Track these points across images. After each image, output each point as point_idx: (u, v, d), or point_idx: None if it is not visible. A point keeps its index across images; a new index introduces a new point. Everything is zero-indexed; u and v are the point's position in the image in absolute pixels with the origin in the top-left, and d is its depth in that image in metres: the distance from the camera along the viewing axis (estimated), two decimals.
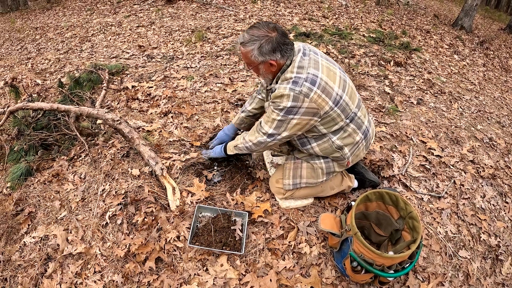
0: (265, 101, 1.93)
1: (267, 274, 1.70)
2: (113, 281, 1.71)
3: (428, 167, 2.53)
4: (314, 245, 1.85)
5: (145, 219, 1.90)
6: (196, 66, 3.82)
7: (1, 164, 2.48)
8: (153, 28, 5.78)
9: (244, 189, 2.15)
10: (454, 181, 2.45)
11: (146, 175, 2.15)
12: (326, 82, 1.56)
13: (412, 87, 3.88)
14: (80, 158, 2.37)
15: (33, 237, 1.92)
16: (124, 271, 1.73)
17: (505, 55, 6.92)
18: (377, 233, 1.75)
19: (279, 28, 1.56)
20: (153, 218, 1.91)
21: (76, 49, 5.29)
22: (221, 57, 4.11)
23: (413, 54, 5.08)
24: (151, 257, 1.77)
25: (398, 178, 2.37)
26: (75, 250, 1.83)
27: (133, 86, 3.31)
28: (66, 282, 1.72)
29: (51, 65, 4.44)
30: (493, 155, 2.88)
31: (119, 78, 3.55)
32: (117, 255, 1.78)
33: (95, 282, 1.71)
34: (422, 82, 4.08)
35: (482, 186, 2.48)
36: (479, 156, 2.81)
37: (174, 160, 2.25)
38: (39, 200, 2.13)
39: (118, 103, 3.05)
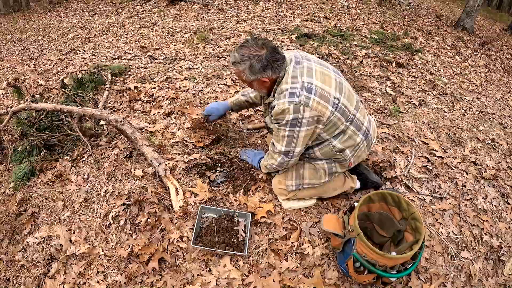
0: (265, 115, 1.99)
1: (270, 275, 1.71)
2: (116, 281, 1.72)
3: (430, 168, 2.53)
4: (317, 246, 1.86)
5: (148, 219, 1.91)
6: (199, 67, 3.83)
7: (4, 164, 2.49)
8: (156, 29, 5.79)
9: (247, 190, 2.16)
10: (456, 182, 2.45)
11: (149, 176, 2.16)
12: (321, 88, 1.58)
13: (414, 88, 3.88)
14: (83, 159, 2.38)
15: (36, 238, 1.93)
16: (127, 272, 1.74)
17: (507, 56, 6.92)
18: (380, 234, 1.75)
19: (268, 44, 1.58)
20: (156, 218, 1.92)
21: (79, 50, 5.31)
22: (224, 58, 4.11)
23: (415, 55, 5.08)
24: (154, 257, 1.77)
25: (400, 179, 2.38)
26: (78, 250, 1.83)
27: (135, 87, 3.32)
28: (69, 283, 1.73)
29: (53, 66, 4.46)
30: (495, 156, 2.88)
31: (121, 79, 3.56)
32: (120, 255, 1.79)
33: (98, 282, 1.72)
34: (424, 83, 4.08)
35: (484, 187, 2.48)
36: (481, 157, 2.81)
37: (177, 161, 2.25)
38: (42, 201, 2.14)
39: (121, 104, 3.06)
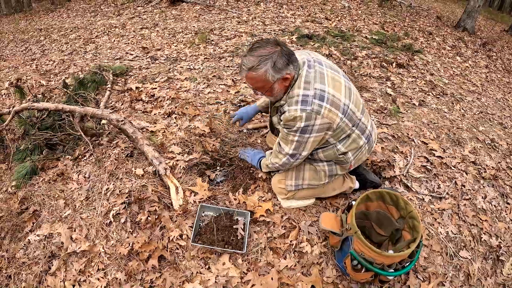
0: (272, 116, 1.93)
1: (268, 273, 1.72)
2: (116, 278, 1.74)
3: (430, 168, 2.54)
4: (315, 244, 1.87)
5: (148, 218, 1.93)
6: (200, 68, 3.85)
7: (6, 163, 2.52)
8: (157, 30, 5.82)
9: (246, 189, 2.17)
10: (456, 182, 2.46)
11: (150, 175, 2.18)
12: (333, 95, 1.55)
13: (414, 88, 3.89)
14: (85, 158, 2.40)
15: (38, 235, 1.95)
16: (127, 269, 1.75)
17: (508, 57, 6.91)
18: (378, 233, 1.76)
19: (279, 41, 1.54)
20: (157, 217, 1.94)
21: (80, 50, 5.34)
22: (224, 59, 4.13)
23: (416, 55, 5.08)
24: (154, 255, 1.79)
25: (399, 178, 2.39)
26: (79, 248, 1.85)
27: (137, 87, 3.34)
28: (70, 280, 1.74)
29: (55, 66, 4.49)
30: (494, 156, 2.88)
31: (123, 79, 3.58)
32: (120, 253, 1.81)
33: (98, 279, 1.74)
34: (424, 83, 4.09)
35: (484, 187, 2.49)
36: (481, 157, 2.82)
37: (177, 160, 2.27)
38: (43, 199, 2.16)
39: (122, 104, 3.08)
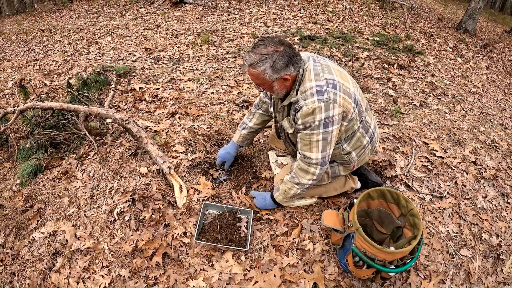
0: (280, 119, 1.84)
1: (271, 270, 1.74)
2: (120, 275, 1.75)
3: (430, 167, 2.56)
4: (317, 242, 1.89)
5: (152, 215, 1.95)
6: (202, 69, 3.88)
7: (11, 162, 2.54)
8: (160, 31, 5.86)
9: (249, 188, 2.19)
10: (456, 182, 2.47)
11: (154, 173, 2.20)
12: (343, 84, 1.56)
13: (415, 89, 3.91)
14: (89, 157, 2.43)
15: (42, 233, 1.96)
16: (132, 266, 1.77)
17: (509, 58, 6.93)
18: (379, 230, 1.78)
19: (284, 40, 1.53)
20: (161, 214, 1.96)
21: (83, 51, 5.38)
22: (227, 59, 4.16)
23: (417, 57, 5.11)
24: (158, 252, 1.81)
25: (400, 178, 2.41)
26: (83, 245, 1.87)
27: (140, 88, 3.37)
28: (74, 277, 1.76)
29: (58, 67, 4.52)
30: (495, 157, 2.90)
31: (126, 80, 3.61)
32: (124, 250, 1.82)
33: (102, 276, 1.75)
34: (425, 84, 4.11)
35: (484, 186, 2.51)
36: (481, 157, 2.84)
37: (181, 159, 2.30)
38: (48, 197, 2.18)
39: (125, 104, 3.11)
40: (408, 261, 1.49)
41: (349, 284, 1.73)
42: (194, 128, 2.62)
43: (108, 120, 2.46)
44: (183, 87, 3.38)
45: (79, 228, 1.96)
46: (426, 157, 2.67)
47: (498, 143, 3.12)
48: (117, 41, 5.62)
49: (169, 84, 3.46)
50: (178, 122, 2.73)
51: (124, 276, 1.75)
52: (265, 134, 2.67)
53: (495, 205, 2.38)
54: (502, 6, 17.80)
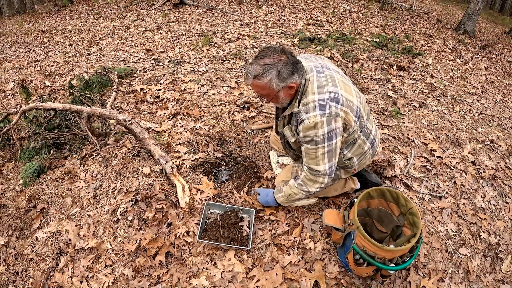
0: (280, 127, 1.83)
1: (273, 268, 1.77)
2: (124, 274, 1.77)
3: (429, 167, 2.59)
4: (318, 241, 1.92)
5: (155, 215, 1.97)
6: (203, 70, 3.91)
7: (13, 162, 2.55)
8: (160, 33, 5.89)
9: (251, 188, 2.22)
10: (455, 182, 2.50)
11: (157, 173, 2.22)
12: (346, 98, 1.55)
13: (414, 90, 3.94)
14: (92, 157, 2.45)
15: (45, 232, 1.98)
16: (135, 265, 1.79)
17: (508, 59, 6.96)
18: (379, 229, 1.80)
19: (285, 49, 1.53)
20: (163, 214, 1.98)
21: (84, 52, 5.40)
22: (228, 61, 4.19)
23: (416, 58, 5.14)
24: (161, 251, 1.83)
25: (400, 178, 2.43)
26: (87, 244, 1.88)
27: (141, 89, 3.40)
28: (78, 276, 1.77)
29: (59, 68, 4.55)
30: (494, 157, 2.93)
31: (127, 81, 3.64)
32: (128, 249, 1.84)
33: (106, 275, 1.77)
34: (424, 85, 4.14)
35: (483, 186, 2.53)
36: (480, 157, 2.86)
37: (183, 160, 2.32)
38: (51, 197, 2.19)
39: (127, 105, 3.14)
40: (407, 259, 1.51)
41: (350, 282, 1.76)
42: (196, 129, 2.65)
43: (111, 121, 2.48)
44: (184, 88, 3.40)
45: (82, 228, 1.98)
46: (425, 158, 2.70)
47: (496, 144, 3.15)
48: (118, 42, 5.65)
49: (171, 85, 3.49)
50: (180, 123, 2.75)
51: (127, 275, 1.76)
52: (266, 135, 2.70)
53: (493, 204, 2.41)
54: (502, 7, 17.87)
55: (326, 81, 1.55)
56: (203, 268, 1.78)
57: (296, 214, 2.05)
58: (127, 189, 2.12)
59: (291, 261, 1.81)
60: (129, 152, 2.39)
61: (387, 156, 2.60)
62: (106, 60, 4.72)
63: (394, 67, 4.47)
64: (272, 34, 5.46)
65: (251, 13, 7.18)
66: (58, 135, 2.61)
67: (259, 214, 2.04)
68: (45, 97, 3.37)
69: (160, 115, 2.91)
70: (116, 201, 2.08)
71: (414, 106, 3.55)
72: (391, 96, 3.63)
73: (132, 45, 5.35)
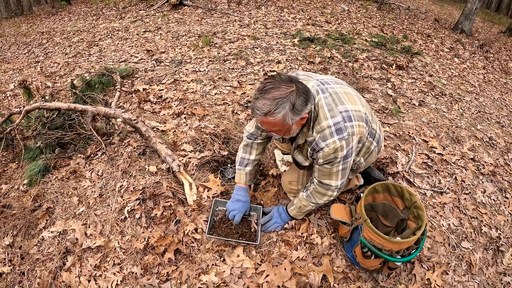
0: (293, 152, 1.77)
1: (281, 264, 1.79)
2: (132, 272, 1.77)
3: (430, 164, 2.63)
4: (325, 236, 1.95)
5: (163, 213, 1.99)
6: (205, 70, 3.93)
7: (17, 162, 2.54)
8: (160, 33, 5.91)
9: (257, 185, 2.24)
10: (456, 178, 2.54)
11: (164, 172, 2.24)
12: (354, 110, 1.52)
13: (413, 89, 3.99)
14: (97, 157, 2.46)
15: (52, 232, 1.97)
16: (143, 263, 1.80)
17: (505, 58, 7.04)
18: (384, 224, 1.84)
19: (291, 76, 1.41)
20: (171, 211, 2.00)
21: (84, 53, 5.41)
22: (229, 61, 4.22)
23: (415, 57, 5.19)
24: (170, 249, 1.84)
25: (402, 174, 2.47)
26: (94, 243, 1.88)
27: (144, 89, 3.42)
28: (85, 275, 1.77)
29: (60, 68, 4.56)
30: (493, 153, 2.98)
31: (129, 81, 3.66)
32: (136, 247, 1.85)
33: (114, 274, 1.77)
34: (423, 84, 4.19)
35: (483, 182, 2.58)
36: (479, 154, 2.91)
37: (189, 158, 2.34)
38: (57, 196, 2.19)
39: (130, 105, 3.15)
40: (413, 251, 1.55)
41: (357, 275, 1.79)
42: (201, 127, 2.67)
43: (118, 120, 2.49)
44: (187, 88, 3.42)
45: (89, 227, 1.98)
46: (426, 154, 2.74)
47: (495, 141, 3.20)
48: (118, 43, 5.66)
49: (173, 85, 3.51)
50: (184, 122, 2.78)
51: (136, 273, 1.77)
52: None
53: (493, 199, 2.45)
54: (498, 6, 18.04)
55: (334, 101, 1.50)
56: (212, 264, 1.79)
57: None
58: (134, 188, 2.14)
59: (299, 256, 1.84)
60: (134, 151, 2.41)
61: (389, 153, 2.64)
62: (106, 60, 4.73)
63: (393, 66, 4.52)
64: (272, 35, 5.50)
65: (251, 13, 7.22)
66: (62, 135, 2.61)
67: (264, 209, 2.06)
68: (47, 97, 3.37)
69: (163, 114, 2.94)
70: (123, 199, 2.09)
71: (413, 104, 3.59)
72: (391, 95, 3.67)
73: (132, 46, 5.36)
